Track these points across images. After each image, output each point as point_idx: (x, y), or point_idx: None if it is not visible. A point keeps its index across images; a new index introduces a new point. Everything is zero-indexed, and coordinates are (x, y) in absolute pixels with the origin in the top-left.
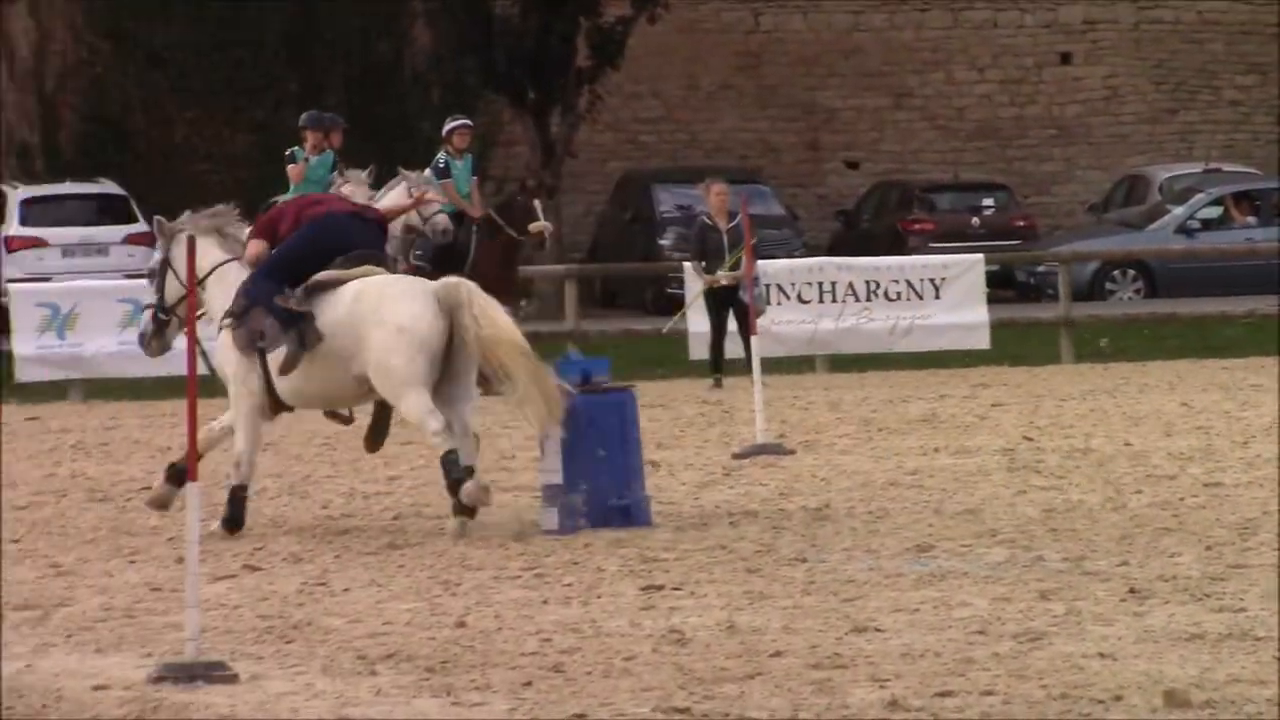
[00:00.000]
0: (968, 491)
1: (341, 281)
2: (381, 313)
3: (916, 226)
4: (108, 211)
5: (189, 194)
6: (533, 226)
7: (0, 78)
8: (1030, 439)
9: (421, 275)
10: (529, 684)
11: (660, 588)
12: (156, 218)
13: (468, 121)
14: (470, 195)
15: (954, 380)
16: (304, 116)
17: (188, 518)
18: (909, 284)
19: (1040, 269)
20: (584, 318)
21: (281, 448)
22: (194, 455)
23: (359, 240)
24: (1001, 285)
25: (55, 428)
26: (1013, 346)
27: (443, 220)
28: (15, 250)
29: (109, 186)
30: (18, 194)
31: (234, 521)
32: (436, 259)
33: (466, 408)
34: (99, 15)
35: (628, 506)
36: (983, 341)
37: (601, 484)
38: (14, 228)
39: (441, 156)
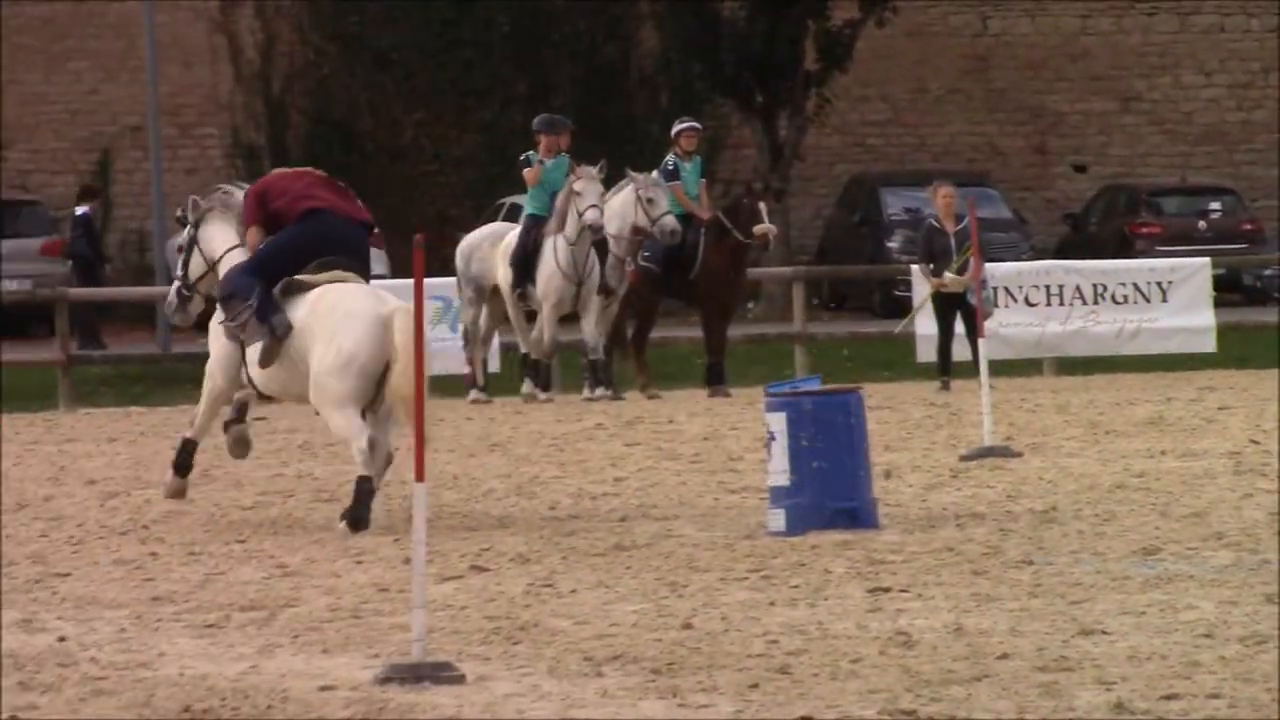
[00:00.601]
0: (1194, 494)
1: (310, 285)
2: (331, 329)
3: (1144, 230)
4: None
5: (416, 195)
6: (756, 229)
7: (228, 80)
8: (1257, 442)
9: (650, 277)
10: (755, 686)
11: (887, 590)
12: (192, 197)
13: (695, 124)
14: (699, 197)
15: (1180, 383)
16: (537, 120)
17: (414, 518)
18: (1136, 287)
19: (1267, 272)
20: (811, 320)
21: (509, 449)
22: (421, 455)
23: (343, 240)
24: (1228, 289)
25: (282, 428)
26: (1239, 349)
27: (671, 222)
28: None
29: None
30: None
31: (183, 467)
32: (665, 261)
33: (391, 429)
34: (325, 17)
35: (855, 509)
36: (1209, 345)
37: (828, 486)
38: None
39: (670, 158)
